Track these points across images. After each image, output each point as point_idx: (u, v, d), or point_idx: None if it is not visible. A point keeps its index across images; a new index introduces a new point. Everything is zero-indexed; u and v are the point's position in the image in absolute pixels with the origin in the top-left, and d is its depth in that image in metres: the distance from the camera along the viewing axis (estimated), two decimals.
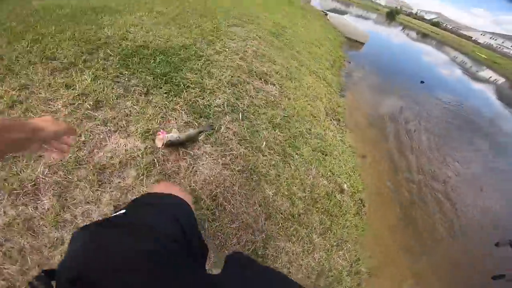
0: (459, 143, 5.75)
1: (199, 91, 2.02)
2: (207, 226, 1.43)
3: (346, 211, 2.19)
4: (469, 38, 51.42)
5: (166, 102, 1.83)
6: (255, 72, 2.82)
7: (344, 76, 6.05)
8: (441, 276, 2.51)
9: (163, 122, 1.71)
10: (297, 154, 2.25)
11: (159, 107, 1.78)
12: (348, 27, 11.74)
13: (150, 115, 1.70)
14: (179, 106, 1.85)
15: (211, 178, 1.60)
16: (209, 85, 2.12)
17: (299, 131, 2.50)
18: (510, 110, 11.98)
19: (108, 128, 1.54)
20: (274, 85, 2.86)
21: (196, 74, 2.14)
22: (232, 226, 1.50)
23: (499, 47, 51.86)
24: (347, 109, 4.47)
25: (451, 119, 6.85)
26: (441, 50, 26.27)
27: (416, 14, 70.38)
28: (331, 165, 2.45)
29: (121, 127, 1.57)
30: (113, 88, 1.78)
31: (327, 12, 14.22)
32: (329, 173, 2.34)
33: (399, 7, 60.55)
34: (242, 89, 2.41)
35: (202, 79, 2.13)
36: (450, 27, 59.59)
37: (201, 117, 1.87)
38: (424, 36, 33.42)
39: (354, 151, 3.05)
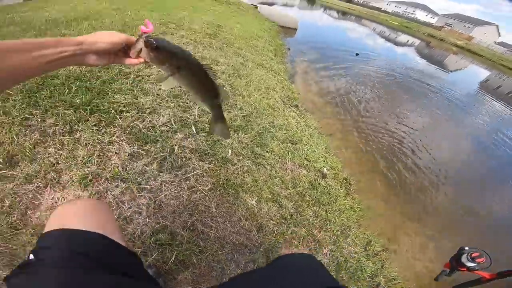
0: (403, 100, 6.41)
1: (136, 113, 1.68)
2: (195, 261, 1.22)
3: (336, 195, 2.09)
4: (379, 9, 58.16)
5: (99, 136, 1.47)
6: None
7: (288, 62, 6.10)
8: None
9: (102, 161, 1.39)
10: (267, 152, 2.06)
11: (92, 144, 1.43)
12: (278, 16, 12.10)
13: (83, 157, 1.36)
14: (117, 137, 1.51)
15: (181, 208, 1.38)
16: (146, 104, 1.79)
17: (262, 127, 2.31)
18: (433, 66, 13.99)
19: (36, 184, 1.21)
20: (223, 86, 2.62)
21: (127, 94, 1.78)
22: (223, 251, 1.31)
23: (405, 13, 59.92)
24: (302, 93, 4.49)
25: (389, 82, 7.66)
26: (361, 24, 29.41)
27: None
28: (304, 152, 2.33)
29: (52, 180, 1.25)
30: (25, 135, 1.38)
31: (257, 5, 14.51)
32: (305, 162, 2.21)
33: None
34: (187, 98, 2.12)
35: (137, 99, 1.79)
36: (362, 1, 66.33)
37: (147, 143, 1.56)
38: (344, 14, 36.46)
39: (321, 132, 2.99)
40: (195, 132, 1.79)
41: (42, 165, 1.28)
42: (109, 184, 1.29)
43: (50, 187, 1.23)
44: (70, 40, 0.48)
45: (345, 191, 2.23)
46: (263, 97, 2.92)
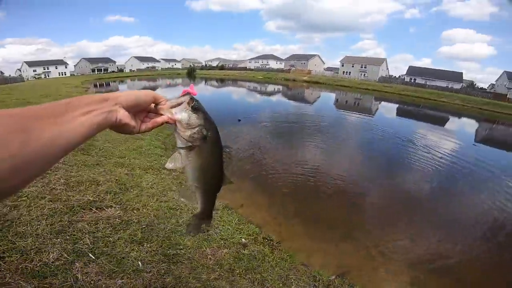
0: (288, 145, 9.09)
1: (20, 256, 1.89)
2: None
3: (263, 256, 2.69)
4: (245, 68, 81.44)
5: None
6: (78, 206, 2.80)
7: None
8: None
9: None
10: (181, 249, 2.48)
11: None
12: None
13: None
14: (10, 278, 1.71)
15: None
16: (28, 246, 2.00)
17: (168, 229, 2.77)
18: (299, 104, 22.33)
19: None
20: (111, 207, 2.97)
21: (1, 241, 1.98)
22: None
23: (263, 66, 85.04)
24: None
25: (275, 133, 10.48)
26: (238, 86, 39.99)
27: (206, 65, 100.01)
28: (219, 234, 2.88)
29: None
30: None
31: None
32: (222, 242, 2.73)
33: (192, 65, 79.97)
34: (73, 231, 2.38)
35: (15, 243, 1.99)
36: (231, 65, 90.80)
37: (46, 277, 1.78)
38: (222, 81, 47.98)
39: (231, 208, 3.66)
40: (93, 258, 2.05)
41: None
42: None
43: None
44: (93, 96, 0.50)
45: (269, 248, 2.87)
46: (161, 202, 3.40)
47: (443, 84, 48.47)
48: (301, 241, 3.47)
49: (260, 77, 56.42)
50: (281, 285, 2.33)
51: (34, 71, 64.20)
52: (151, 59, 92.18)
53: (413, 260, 3.57)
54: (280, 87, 38.41)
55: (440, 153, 9.10)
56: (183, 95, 0.69)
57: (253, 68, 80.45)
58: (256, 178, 5.79)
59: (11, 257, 1.87)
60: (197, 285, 2.06)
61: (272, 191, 5.15)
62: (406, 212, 4.87)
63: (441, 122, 19.36)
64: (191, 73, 63.85)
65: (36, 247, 2.01)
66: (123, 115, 0.54)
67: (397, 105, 27.33)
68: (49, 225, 2.34)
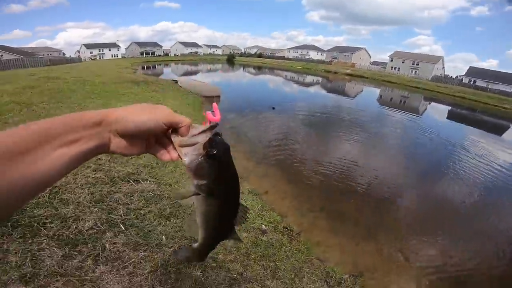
0: (324, 137, 8.90)
1: (60, 223, 2.09)
2: None
3: (280, 245, 2.72)
4: (283, 57, 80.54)
5: (27, 245, 1.85)
6: (118, 177, 3.05)
7: None
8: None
9: (36, 264, 1.74)
10: None
11: (22, 252, 1.79)
12: (199, 87, 14.35)
13: (17, 262, 1.71)
14: (46, 244, 1.89)
15: None
16: (68, 213, 2.21)
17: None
18: (339, 97, 21.90)
19: None
20: (147, 180, 3.18)
21: (46, 207, 2.20)
22: None
23: (302, 56, 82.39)
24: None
25: (309, 123, 10.35)
26: (275, 74, 39.92)
27: (245, 52, 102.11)
28: None
29: None
30: None
31: (177, 80, 17.15)
32: (242, 225, 2.77)
33: (232, 51, 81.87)
34: (110, 201, 2.59)
35: (57, 210, 2.21)
36: (269, 54, 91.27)
37: (77, 245, 1.95)
38: (259, 68, 48.45)
39: (256, 193, 3.72)
40: (123, 229, 2.23)
41: None
42: (49, 280, 1.66)
43: None
44: (84, 116, 0.41)
45: (288, 238, 2.89)
46: None
47: (508, 88, 42.70)
48: (321, 235, 3.44)
49: (299, 67, 55.33)
50: (293, 276, 2.36)
51: (91, 52, 70.49)
52: (194, 45, 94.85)
53: (436, 272, 3.33)
54: (320, 79, 37.34)
55: (494, 163, 8.07)
56: (203, 131, 0.52)
57: (291, 57, 79.62)
58: (284, 166, 5.79)
59: (52, 223, 2.07)
60: (213, 264, 2.15)
61: (299, 181, 5.12)
62: (442, 221, 4.48)
63: (499, 130, 17.04)
64: (231, 59, 64.97)
65: (75, 215, 2.22)
66: (116, 146, 0.45)
67: (449, 108, 24.77)
68: (90, 194, 2.57)
